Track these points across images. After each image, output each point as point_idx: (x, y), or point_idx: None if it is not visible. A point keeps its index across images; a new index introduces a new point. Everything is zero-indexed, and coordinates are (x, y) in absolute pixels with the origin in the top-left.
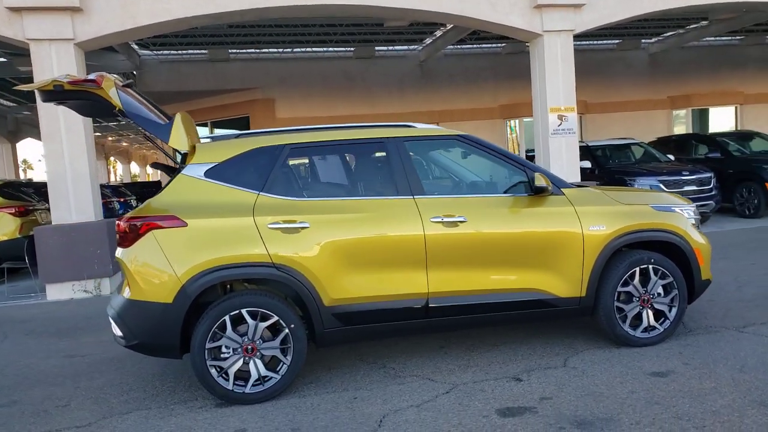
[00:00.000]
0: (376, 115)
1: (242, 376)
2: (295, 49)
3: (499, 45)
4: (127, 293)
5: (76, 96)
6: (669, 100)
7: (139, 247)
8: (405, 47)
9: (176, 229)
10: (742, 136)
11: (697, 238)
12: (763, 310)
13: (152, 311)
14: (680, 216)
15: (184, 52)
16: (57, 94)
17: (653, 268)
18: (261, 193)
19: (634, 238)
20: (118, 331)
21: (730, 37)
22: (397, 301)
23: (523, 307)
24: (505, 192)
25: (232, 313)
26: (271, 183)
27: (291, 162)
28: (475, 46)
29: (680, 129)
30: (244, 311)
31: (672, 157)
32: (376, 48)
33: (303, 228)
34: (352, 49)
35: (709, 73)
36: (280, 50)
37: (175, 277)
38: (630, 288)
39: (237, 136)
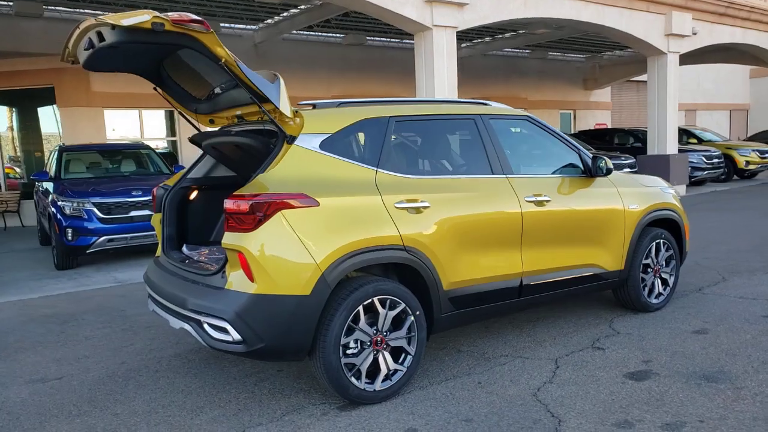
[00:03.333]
0: None
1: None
2: None
3: (339, 36)
4: (245, 286)
5: (166, 40)
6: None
7: (266, 230)
8: (243, 26)
9: (308, 208)
10: None
11: (684, 216)
12: (696, 275)
13: (286, 306)
14: (675, 196)
15: None
16: (147, 34)
17: (663, 242)
18: (378, 169)
19: (655, 216)
20: (234, 335)
21: (520, 50)
22: (499, 281)
23: (585, 282)
24: (554, 173)
25: (365, 303)
26: (384, 158)
27: (396, 136)
28: (313, 33)
29: None
30: (375, 300)
31: None
32: (221, 24)
33: (425, 207)
34: None
35: (504, 79)
36: (104, 13)
37: (314, 264)
38: (649, 260)
39: (338, 105)
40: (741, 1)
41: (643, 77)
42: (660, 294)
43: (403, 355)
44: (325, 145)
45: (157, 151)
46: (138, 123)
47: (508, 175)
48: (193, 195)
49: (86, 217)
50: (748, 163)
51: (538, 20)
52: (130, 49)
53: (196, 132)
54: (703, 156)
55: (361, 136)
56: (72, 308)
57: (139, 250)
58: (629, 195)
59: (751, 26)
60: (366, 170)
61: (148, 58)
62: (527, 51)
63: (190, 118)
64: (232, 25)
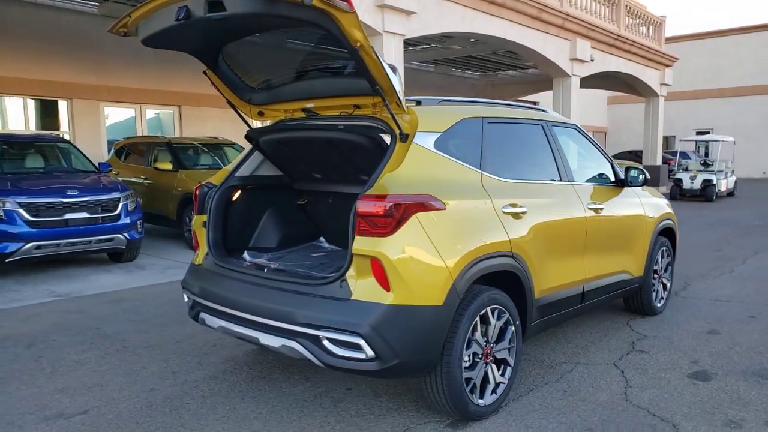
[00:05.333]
0: (109, 87)
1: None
2: None
3: None
4: (380, 296)
5: (302, 16)
6: None
7: (404, 235)
8: None
9: (438, 211)
10: None
11: (677, 225)
12: None
13: (422, 318)
14: (670, 205)
15: None
16: (287, 7)
17: (666, 249)
18: (482, 171)
19: (664, 225)
20: (368, 351)
21: (425, 64)
22: (571, 288)
23: (620, 287)
24: (589, 180)
25: (481, 314)
26: (484, 160)
27: (489, 137)
28: None
29: None
30: (488, 309)
31: None
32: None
33: (523, 213)
34: (96, 3)
35: (406, 92)
36: None
37: (448, 272)
38: (657, 267)
39: (439, 102)
40: (625, 35)
41: (529, 97)
42: (662, 298)
43: (503, 366)
44: (438, 145)
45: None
46: (22, 113)
47: (572, 182)
48: (236, 195)
49: (7, 219)
50: None
51: (471, 35)
52: (228, 24)
53: (250, 126)
54: None
55: (464, 136)
56: (24, 329)
57: (67, 259)
58: (647, 205)
59: (631, 58)
60: (473, 172)
61: (222, 37)
62: (431, 66)
63: (238, 108)
64: None
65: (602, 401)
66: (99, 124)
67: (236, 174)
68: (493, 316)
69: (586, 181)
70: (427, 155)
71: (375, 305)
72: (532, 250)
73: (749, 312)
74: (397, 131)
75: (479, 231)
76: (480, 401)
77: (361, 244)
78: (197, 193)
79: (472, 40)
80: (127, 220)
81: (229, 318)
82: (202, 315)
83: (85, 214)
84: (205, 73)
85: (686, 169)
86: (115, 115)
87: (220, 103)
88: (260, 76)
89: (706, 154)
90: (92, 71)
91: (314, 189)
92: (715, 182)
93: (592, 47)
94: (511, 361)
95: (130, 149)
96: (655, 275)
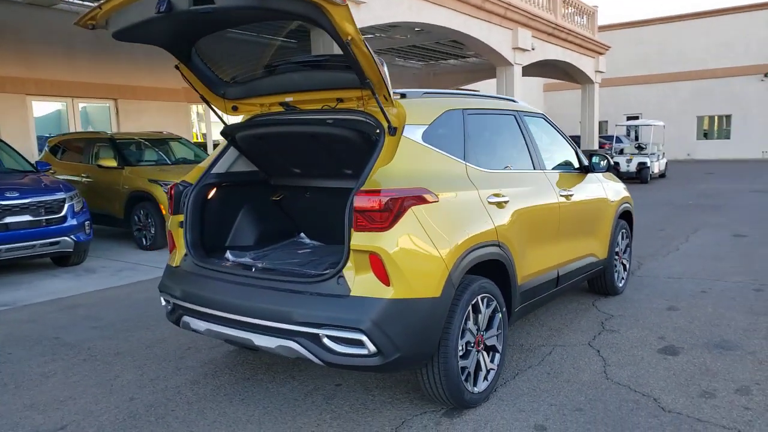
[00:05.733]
0: (38, 80)
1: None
2: None
3: None
4: (379, 291)
5: (292, 9)
6: None
7: (401, 229)
8: (80, 3)
9: (432, 204)
10: None
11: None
12: None
13: (421, 310)
14: (626, 189)
15: None
16: (286, 1)
17: (624, 231)
18: (466, 162)
19: (623, 209)
20: (370, 347)
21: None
22: (547, 273)
23: (587, 270)
24: (555, 168)
25: (473, 303)
26: (467, 151)
27: (469, 129)
28: None
29: None
30: (479, 298)
31: None
32: None
33: (505, 202)
34: None
35: None
36: None
37: (443, 263)
38: (618, 249)
39: (422, 95)
40: (562, 24)
41: (470, 86)
42: (622, 278)
43: (492, 353)
44: (425, 137)
45: None
46: None
47: (544, 170)
48: (212, 193)
49: None
50: None
51: (418, 24)
52: (212, 17)
53: (225, 122)
54: None
55: (448, 128)
56: None
57: (7, 264)
58: (609, 189)
59: (569, 47)
60: (458, 163)
61: (201, 30)
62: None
63: (212, 104)
64: (72, 1)
65: (585, 381)
66: (27, 119)
67: (212, 171)
68: (483, 305)
69: (555, 168)
70: (417, 148)
71: (375, 300)
72: (514, 238)
73: (700, 287)
74: (386, 125)
75: (469, 221)
76: (475, 389)
77: (359, 239)
78: (172, 192)
79: (416, 29)
80: (74, 222)
81: (218, 320)
82: (185, 318)
83: (27, 217)
84: (176, 67)
85: (622, 153)
86: (42, 109)
87: (158, 96)
88: (235, 69)
89: (636, 138)
90: (18, 63)
91: (292, 184)
92: (649, 165)
93: (532, 36)
94: (500, 347)
95: (67, 146)
96: (617, 257)
